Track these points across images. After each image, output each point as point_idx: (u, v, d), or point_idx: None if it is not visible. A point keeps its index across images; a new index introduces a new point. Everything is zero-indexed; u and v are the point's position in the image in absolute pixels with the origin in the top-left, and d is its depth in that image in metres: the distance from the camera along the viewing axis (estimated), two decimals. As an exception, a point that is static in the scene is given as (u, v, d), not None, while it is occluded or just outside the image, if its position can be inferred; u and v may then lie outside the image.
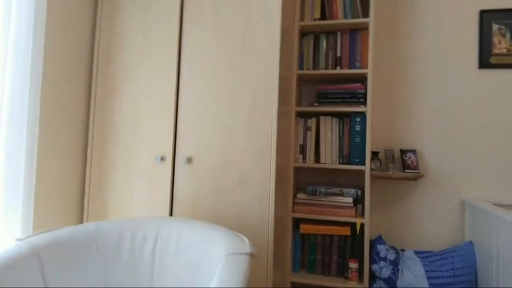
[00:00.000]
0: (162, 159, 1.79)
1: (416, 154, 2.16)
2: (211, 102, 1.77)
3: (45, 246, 1.09)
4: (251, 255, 1.15)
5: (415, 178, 2.08)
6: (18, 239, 1.09)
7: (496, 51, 2.20)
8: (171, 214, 1.79)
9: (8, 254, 1.01)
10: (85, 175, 1.93)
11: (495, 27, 2.21)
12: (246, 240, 1.23)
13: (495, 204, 2.00)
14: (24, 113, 1.43)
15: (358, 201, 2.06)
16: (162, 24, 1.85)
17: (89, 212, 1.87)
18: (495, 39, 2.21)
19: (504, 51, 2.20)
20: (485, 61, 2.20)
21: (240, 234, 1.31)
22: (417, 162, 2.14)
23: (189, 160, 1.76)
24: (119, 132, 1.88)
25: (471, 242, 2.03)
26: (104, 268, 1.24)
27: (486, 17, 2.21)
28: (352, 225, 2.01)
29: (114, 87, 1.90)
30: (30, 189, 1.44)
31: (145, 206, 1.80)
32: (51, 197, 1.72)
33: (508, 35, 2.20)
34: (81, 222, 1.91)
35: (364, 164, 1.99)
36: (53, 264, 1.10)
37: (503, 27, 2.20)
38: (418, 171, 2.11)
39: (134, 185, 1.83)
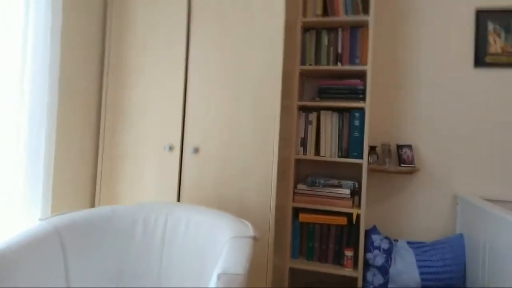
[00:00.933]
0: (171, 148, 1.87)
1: (412, 149, 2.25)
2: (217, 95, 1.85)
3: (65, 225, 1.19)
4: (254, 238, 1.24)
5: (410, 172, 2.17)
6: (41, 219, 1.18)
7: (491, 50, 2.27)
8: (178, 201, 1.88)
9: (33, 231, 1.10)
10: (97, 163, 2.02)
11: (490, 26, 2.27)
12: (249, 224, 1.32)
13: (486, 199, 2.09)
14: (43, 107, 1.55)
15: (355, 192, 2.15)
16: (170, 19, 1.92)
17: (101, 198, 1.97)
18: (491, 39, 2.27)
19: (499, 50, 2.26)
20: (481, 60, 2.27)
21: (243, 220, 1.40)
22: (413, 157, 2.23)
23: (196, 150, 1.85)
24: (130, 123, 1.96)
25: (461, 234, 2.12)
26: (118, 247, 1.33)
27: (482, 16, 2.27)
28: (349, 216, 2.10)
29: (125, 80, 1.98)
30: (48, 176, 1.54)
31: (154, 193, 1.89)
32: (67, 183, 1.82)
33: (503, 35, 2.26)
34: (93, 207, 2.00)
35: (362, 158, 2.07)
36: (73, 242, 1.19)
37: (498, 27, 2.27)
38: (413, 165, 2.20)
39: (144, 173, 1.92)
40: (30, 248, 1.04)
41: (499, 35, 2.27)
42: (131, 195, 1.93)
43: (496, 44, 2.27)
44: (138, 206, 1.47)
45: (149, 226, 1.40)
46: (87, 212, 1.33)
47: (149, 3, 1.96)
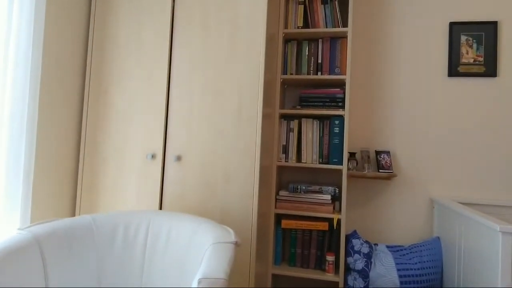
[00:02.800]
0: (153, 156, 1.88)
1: (390, 155, 2.32)
2: (199, 104, 1.87)
3: (45, 234, 1.18)
4: (236, 244, 1.27)
5: (388, 178, 2.24)
6: (20, 228, 1.17)
7: (464, 60, 2.38)
8: (160, 209, 1.88)
9: (12, 241, 1.09)
10: (77, 171, 2.01)
11: (463, 38, 2.38)
12: (231, 230, 1.34)
13: (460, 202, 2.18)
14: (23, 115, 1.53)
15: (336, 198, 2.20)
16: (153, 29, 1.95)
17: (82, 206, 1.95)
18: (463, 50, 2.38)
19: (471, 60, 2.37)
20: (454, 69, 2.37)
21: (225, 226, 1.42)
22: (391, 162, 2.30)
23: (178, 158, 1.86)
24: (112, 131, 1.96)
25: (438, 237, 2.19)
26: (99, 256, 1.33)
27: (455, 28, 2.38)
28: (330, 221, 2.14)
29: (107, 87, 1.99)
30: (28, 185, 1.53)
31: (135, 201, 1.89)
32: (47, 192, 1.80)
33: (475, 46, 2.37)
34: (73, 215, 1.98)
35: (342, 164, 2.13)
36: (53, 252, 1.18)
37: (471, 38, 2.38)
38: (391, 171, 2.27)
39: (126, 181, 1.92)
40: (9, 259, 1.04)
41: (471, 46, 2.38)
42: (113, 203, 1.92)
43: (468, 54, 2.37)
44: (119, 214, 1.47)
45: (130, 235, 1.40)
46: (67, 221, 1.33)
47: (133, 11, 1.98)
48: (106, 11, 2.01)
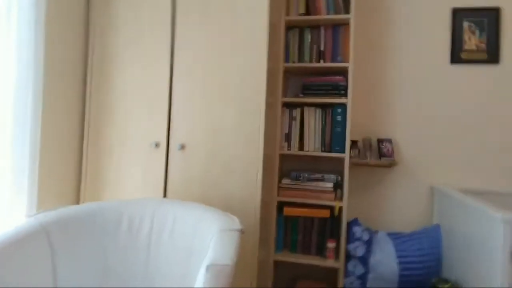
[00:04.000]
0: (157, 145, 1.89)
1: (391, 143, 2.33)
2: (202, 92, 1.87)
3: (52, 222, 1.19)
4: (241, 231, 1.28)
5: (390, 165, 2.25)
6: (29, 215, 1.19)
7: (466, 47, 2.36)
8: (165, 197, 1.90)
9: (20, 229, 1.11)
10: (81, 160, 2.01)
11: (465, 24, 2.36)
12: (235, 218, 1.36)
13: (461, 190, 2.19)
14: (27, 103, 1.53)
15: (338, 186, 2.22)
16: (154, 15, 1.93)
17: (86, 194, 1.97)
18: (466, 36, 2.36)
19: (474, 47, 2.36)
20: (457, 56, 2.36)
21: (230, 214, 1.43)
22: (393, 150, 2.31)
23: (182, 147, 1.87)
24: (115, 120, 1.96)
25: (438, 225, 2.21)
26: (104, 244, 1.35)
27: (458, 15, 2.36)
28: (332, 208, 2.16)
29: (110, 76, 1.98)
30: (34, 173, 1.54)
31: (140, 190, 1.91)
32: (52, 180, 1.82)
33: (477, 32, 2.36)
34: (78, 203, 2.00)
35: (344, 152, 2.14)
36: (60, 240, 1.20)
37: (473, 24, 2.36)
38: (393, 158, 2.28)
39: (130, 170, 1.92)
40: (17, 246, 1.05)
41: (473, 33, 2.36)
42: (117, 192, 1.94)
43: (471, 41, 2.36)
44: (124, 202, 1.49)
45: (135, 223, 1.42)
46: (73, 209, 1.34)
47: (133, 1, 1.96)
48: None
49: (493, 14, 2.31)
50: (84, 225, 1.32)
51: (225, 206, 1.82)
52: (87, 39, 2.03)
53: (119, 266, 1.39)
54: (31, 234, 1.11)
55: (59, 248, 1.20)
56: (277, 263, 2.30)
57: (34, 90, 1.57)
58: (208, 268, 0.95)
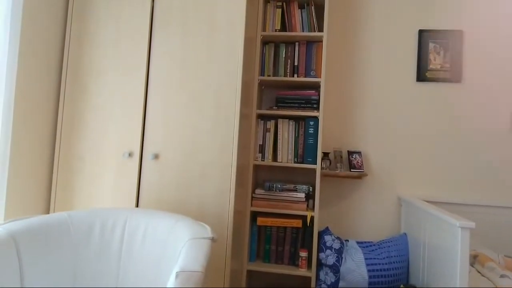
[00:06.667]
0: (130, 155, 1.89)
1: (361, 155, 2.43)
2: (177, 103, 1.90)
3: (21, 231, 1.18)
4: (212, 239, 1.31)
5: (359, 177, 2.34)
6: (-4, 225, 1.17)
7: (431, 66, 2.51)
8: (137, 206, 1.90)
9: (-13, 238, 1.09)
10: (52, 168, 1.99)
11: (431, 45, 2.52)
12: (207, 227, 1.38)
13: (427, 201, 2.31)
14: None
15: (310, 196, 2.28)
16: (132, 26, 1.95)
17: (56, 204, 1.93)
18: (431, 56, 2.52)
19: (438, 67, 2.51)
20: (422, 75, 2.51)
21: (202, 223, 1.46)
22: (362, 162, 2.41)
23: (156, 156, 1.88)
24: (88, 129, 1.95)
25: (405, 234, 2.31)
26: (75, 253, 1.34)
27: (424, 36, 2.51)
28: (304, 218, 2.22)
29: (84, 84, 1.98)
30: (2, 181, 1.51)
31: (112, 199, 1.90)
32: (21, 189, 1.78)
33: (442, 52, 2.51)
34: (48, 213, 1.96)
35: (316, 163, 2.21)
36: (28, 248, 1.19)
37: (438, 45, 2.52)
38: (362, 170, 2.37)
39: (102, 179, 1.91)
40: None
41: (438, 53, 2.51)
42: (89, 201, 1.92)
43: (435, 61, 2.51)
44: (96, 211, 1.48)
45: (107, 232, 1.42)
46: (43, 218, 1.33)
47: (112, 7, 1.98)
48: (85, 7, 2.00)
49: (457, 36, 2.47)
50: (55, 235, 1.31)
51: (199, 215, 1.84)
52: (63, 45, 2.02)
53: (90, 275, 1.38)
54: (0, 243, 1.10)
55: (28, 257, 1.18)
56: (250, 273, 2.33)
57: (5, 98, 1.55)
58: (177, 274, 0.97)
